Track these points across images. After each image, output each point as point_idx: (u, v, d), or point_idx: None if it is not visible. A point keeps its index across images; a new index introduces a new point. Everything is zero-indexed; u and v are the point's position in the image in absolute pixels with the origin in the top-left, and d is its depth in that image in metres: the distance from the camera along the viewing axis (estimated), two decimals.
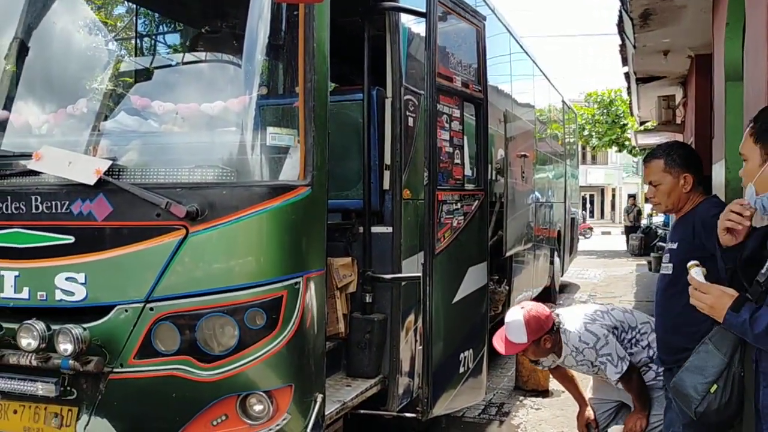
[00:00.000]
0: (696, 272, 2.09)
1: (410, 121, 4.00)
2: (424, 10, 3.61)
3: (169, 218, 2.88)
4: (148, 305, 2.92)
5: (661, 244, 16.59)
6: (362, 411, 3.82)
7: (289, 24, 3.01)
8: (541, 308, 3.35)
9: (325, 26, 3.07)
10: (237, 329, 2.89)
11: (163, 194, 2.89)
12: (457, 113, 3.90)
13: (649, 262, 15.66)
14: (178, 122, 3.08)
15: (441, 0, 3.72)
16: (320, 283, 3.08)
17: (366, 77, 3.89)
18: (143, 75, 3.63)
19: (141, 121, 3.15)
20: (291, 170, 2.99)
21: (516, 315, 3.27)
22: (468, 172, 4.18)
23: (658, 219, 21.54)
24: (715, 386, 2.10)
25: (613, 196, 50.71)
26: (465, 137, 4.08)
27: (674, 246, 2.72)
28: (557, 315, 3.36)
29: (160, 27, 4.09)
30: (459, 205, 3.88)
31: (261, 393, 2.95)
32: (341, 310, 3.85)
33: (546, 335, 3.22)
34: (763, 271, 1.97)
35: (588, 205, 47.57)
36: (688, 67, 9.74)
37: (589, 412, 3.61)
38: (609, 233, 32.46)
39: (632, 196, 24.70)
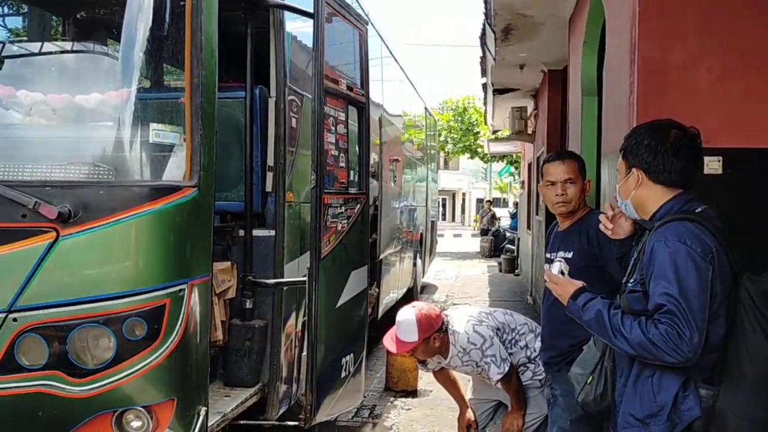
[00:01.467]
0: (555, 267, 2.33)
1: (293, 122, 3.92)
2: (311, 10, 3.54)
3: (38, 219, 2.62)
4: (11, 315, 2.64)
5: (509, 246, 17.56)
6: (242, 422, 3.68)
7: (176, 14, 2.84)
8: (432, 308, 3.41)
9: (213, 19, 2.93)
10: (114, 341, 2.69)
11: (31, 193, 2.62)
12: (342, 116, 3.87)
13: (499, 264, 16.51)
14: (47, 114, 2.80)
15: (328, 1, 3.67)
16: (205, 290, 2.94)
17: (249, 75, 3.76)
18: (6, 61, 3.26)
19: (3, 112, 2.83)
20: (176, 170, 2.82)
21: (408, 314, 3.30)
22: (351, 175, 4.17)
23: (505, 223, 22.83)
24: (590, 378, 2.27)
25: (464, 200, 53.09)
26: (348, 140, 4.06)
27: (569, 255, 2.82)
28: (446, 315, 3.43)
29: (30, 7, 3.68)
30: (343, 208, 3.85)
31: (139, 408, 2.75)
32: (219, 316, 3.69)
33: (435, 334, 3.28)
34: (626, 275, 2.19)
35: (440, 209, 49.42)
36: (540, 80, 10.36)
37: (470, 414, 3.71)
38: (460, 236, 33.86)
39: (489, 201, 26.03)
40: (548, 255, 2.98)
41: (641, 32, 3.65)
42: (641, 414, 2.03)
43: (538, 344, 3.49)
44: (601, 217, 2.37)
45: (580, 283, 2.19)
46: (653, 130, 2.17)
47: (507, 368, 3.29)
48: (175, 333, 2.76)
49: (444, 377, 3.76)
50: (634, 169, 2.16)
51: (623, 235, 2.34)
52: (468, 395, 3.80)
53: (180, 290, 2.77)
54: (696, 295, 1.91)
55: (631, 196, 2.18)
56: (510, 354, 3.40)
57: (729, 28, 3.50)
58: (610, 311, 2.04)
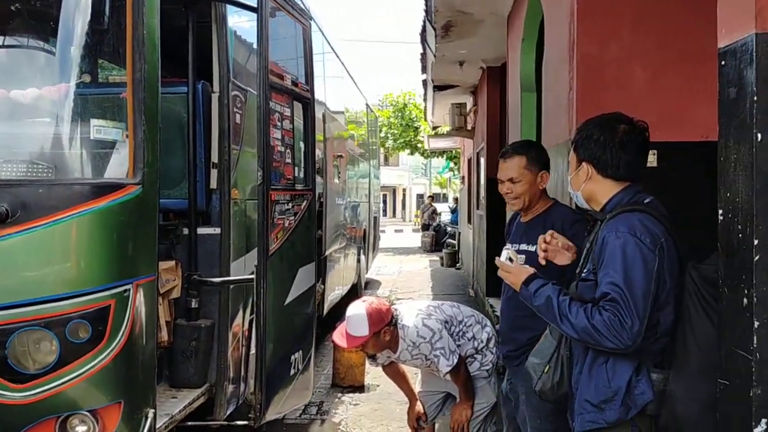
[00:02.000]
0: (503, 255, 2.35)
1: (237, 118, 3.87)
2: (254, 4, 3.50)
3: None
4: None
5: (450, 241, 17.77)
6: (189, 423, 3.62)
7: (117, 6, 2.76)
8: (381, 302, 3.42)
9: (155, 12, 2.87)
10: (57, 344, 2.61)
11: None
12: (287, 112, 3.84)
13: (441, 258, 16.69)
14: None
15: None
16: (151, 289, 2.88)
17: (191, 70, 3.70)
18: None
19: None
20: (118, 167, 2.76)
21: (358, 308, 3.29)
22: (296, 171, 4.14)
23: (446, 218, 23.10)
24: (547, 367, 2.31)
25: (404, 195, 53.42)
26: (294, 136, 4.03)
27: (532, 249, 2.75)
28: (395, 309, 3.44)
29: None
30: (290, 205, 3.82)
31: (85, 413, 2.68)
32: (164, 317, 3.61)
33: (386, 327, 3.29)
34: (578, 265, 2.24)
35: (382, 205, 49.59)
36: (479, 77, 10.52)
37: (419, 407, 3.74)
38: (402, 231, 34.05)
39: (430, 197, 26.27)
40: (508, 245, 2.90)
41: (579, 29, 3.75)
42: (596, 399, 2.08)
43: (484, 335, 3.55)
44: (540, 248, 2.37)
45: (531, 270, 2.23)
46: (602, 124, 2.21)
47: (456, 360, 3.33)
48: (120, 334, 2.70)
49: (393, 371, 3.78)
50: (584, 163, 2.21)
51: (566, 261, 2.37)
52: (417, 388, 3.83)
53: (125, 290, 2.71)
54: (640, 285, 1.97)
55: (581, 189, 2.24)
56: (458, 346, 3.44)
57: (665, 24, 3.62)
58: (560, 297, 2.09)
